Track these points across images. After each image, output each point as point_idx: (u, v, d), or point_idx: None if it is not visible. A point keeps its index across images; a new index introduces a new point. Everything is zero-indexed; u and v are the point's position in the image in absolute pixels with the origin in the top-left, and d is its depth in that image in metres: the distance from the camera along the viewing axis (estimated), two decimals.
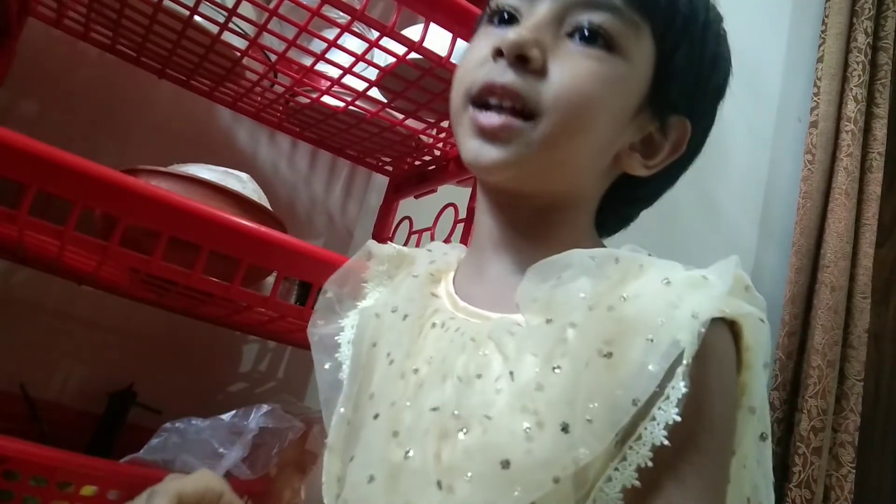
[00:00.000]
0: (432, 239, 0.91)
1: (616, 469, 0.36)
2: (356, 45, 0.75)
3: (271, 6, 0.70)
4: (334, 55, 0.78)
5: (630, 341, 0.37)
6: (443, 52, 0.72)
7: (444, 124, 0.89)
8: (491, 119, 0.43)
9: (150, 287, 0.71)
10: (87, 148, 0.68)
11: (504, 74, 0.43)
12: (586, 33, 0.43)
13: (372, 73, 0.81)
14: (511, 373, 0.39)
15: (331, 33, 0.75)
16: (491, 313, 0.45)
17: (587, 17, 0.43)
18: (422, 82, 0.78)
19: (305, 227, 1.09)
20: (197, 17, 0.75)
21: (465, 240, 0.83)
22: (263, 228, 0.60)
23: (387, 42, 0.72)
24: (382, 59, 0.78)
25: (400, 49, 0.72)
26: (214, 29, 0.76)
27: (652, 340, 0.37)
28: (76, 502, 0.58)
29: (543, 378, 0.37)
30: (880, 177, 1.47)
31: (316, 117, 0.94)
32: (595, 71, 0.43)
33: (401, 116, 0.89)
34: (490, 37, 0.46)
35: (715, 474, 0.38)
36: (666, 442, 0.35)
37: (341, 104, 0.87)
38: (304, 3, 0.69)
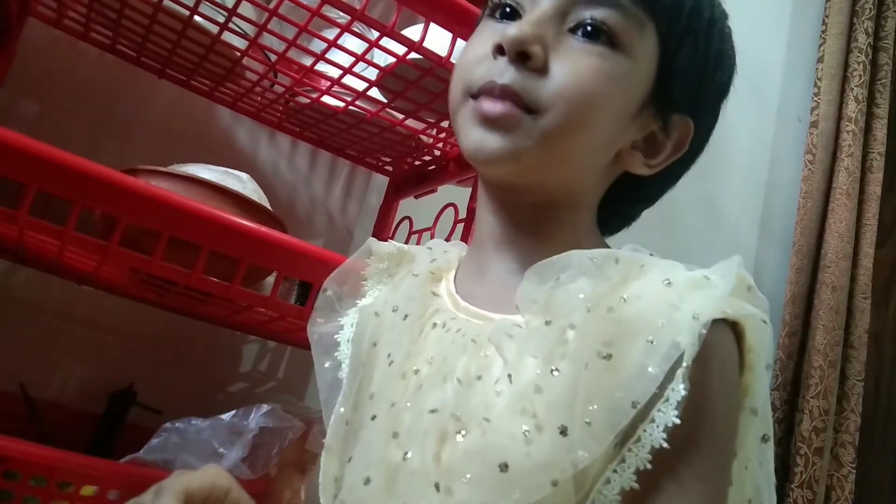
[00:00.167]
0: (432, 238, 0.90)
1: (615, 471, 0.36)
2: (356, 45, 0.75)
3: (271, 6, 0.70)
4: (334, 55, 0.78)
5: (630, 343, 0.37)
6: (443, 52, 0.72)
7: (444, 124, 0.89)
8: (493, 106, 0.42)
9: (150, 287, 0.71)
10: (87, 148, 0.68)
11: (504, 73, 0.42)
12: (589, 29, 0.42)
13: (372, 73, 0.81)
14: (509, 375, 0.39)
15: (331, 33, 0.75)
16: (492, 314, 0.45)
17: (590, 13, 0.42)
18: (422, 82, 0.78)
19: (305, 227, 1.09)
20: (197, 17, 0.75)
21: (465, 240, 0.83)
22: (263, 228, 0.60)
23: (387, 42, 0.72)
24: (382, 59, 0.78)
25: (400, 49, 0.72)
26: (214, 29, 0.76)
27: (652, 342, 0.36)
28: (76, 502, 0.58)
29: (542, 380, 0.37)
30: (881, 177, 1.47)
31: (316, 117, 0.94)
32: (597, 68, 0.42)
33: (401, 116, 0.89)
34: (491, 31, 0.45)
35: (716, 476, 0.37)
36: (665, 444, 0.35)
37: (341, 104, 0.87)
38: (304, 3, 0.69)
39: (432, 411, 0.40)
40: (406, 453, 0.39)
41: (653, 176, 0.48)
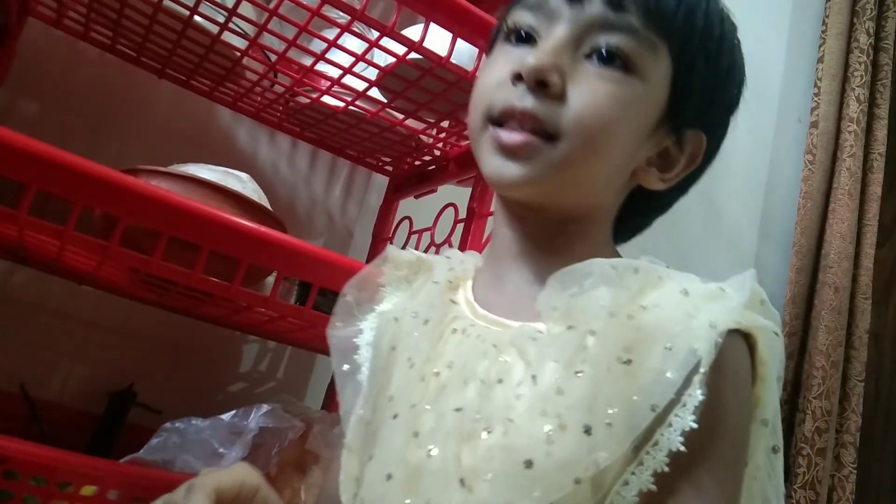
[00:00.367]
0: (432, 238, 0.91)
1: (633, 473, 0.37)
2: (356, 45, 0.75)
3: (271, 6, 0.70)
4: (334, 55, 0.78)
5: (649, 349, 0.38)
6: (443, 52, 0.72)
7: (444, 124, 0.89)
8: (513, 137, 0.43)
9: (150, 287, 0.71)
10: (87, 148, 0.68)
11: (523, 99, 0.43)
12: (604, 55, 0.43)
13: (372, 73, 0.81)
14: (534, 377, 0.40)
15: (331, 33, 0.75)
16: (510, 321, 0.46)
17: (605, 39, 0.43)
18: (422, 82, 0.78)
19: (305, 227, 1.09)
20: (197, 17, 0.75)
21: (464, 239, 0.83)
22: (263, 228, 0.60)
23: (387, 42, 0.72)
24: (382, 59, 0.78)
25: (400, 49, 0.72)
26: (214, 29, 0.76)
27: (670, 349, 0.37)
28: (76, 502, 0.58)
29: (564, 383, 0.38)
30: (881, 177, 1.47)
31: (316, 117, 0.94)
32: (613, 93, 0.43)
33: (401, 116, 0.89)
34: (508, 57, 0.46)
35: (730, 480, 0.39)
36: (682, 448, 0.36)
37: (341, 104, 0.87)
38: (304, 3, 0.69)
39: (457, 410, 0.41)
40: (430, 451, 0.40)
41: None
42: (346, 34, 0.73)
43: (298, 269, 0.65)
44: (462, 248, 0.83)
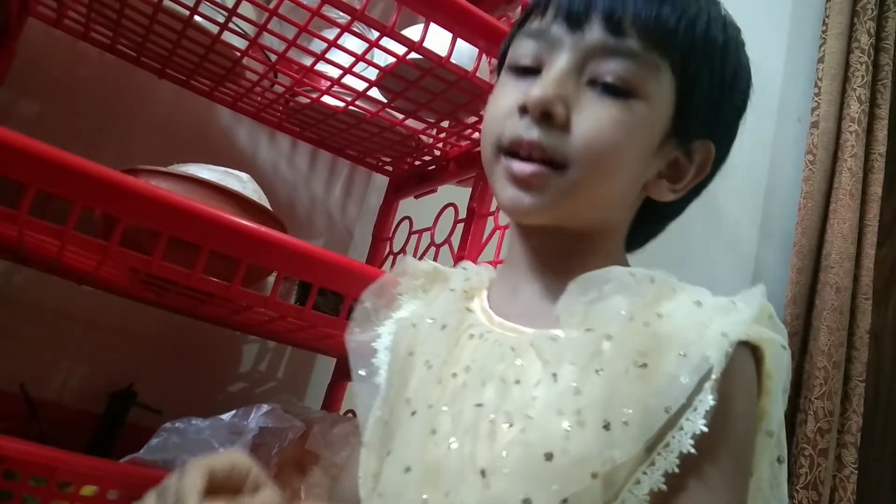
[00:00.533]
0: (432, 238, 0.91)
1: (644, 473, 0.39)
2: (356, 45, 0.75)
3: (271, 6, 0.70)
4: (334, 55, 0.78)
5: (664, 355, 0.40)
6: (443, 52, 0.72)
7: (444, 124, 0.89)
8: (523, 168, 0.45)
9: (150, 287, 0.71)
10: (87, 148, 0.68)
11: (530, 131, 0.44)
12: (607, 81, 0.44)
13: (372, 73, 0.81)
14: (554, 375, 0.41)
15: (331, 33, 0.75)
16: (526, 328, 0.47)
17: (606, 66, 0.44)
18: (422, 82, 0.78)
19: (305, 227, 1.09)
20: (197, 17, 0.75)
21: (464, 239, 0.83)
22: (263, 228, 0.60)
23: (387, 42, 0.72)
24: (382, 59, 0.78)
25: (400, 49, 0.72)
26: (214, 29, 0.76)
27: (684, 355, 0.39)
28: (76, 502, 0.58)
29: (582, 383, 0.39)
30: (881, 178, 1.47)
31: (316, 117, 0.94)
32: (617, 119, 0.44)
33: (401, 116, 0.89)
34: (513, 88, 0.47)
35: (737, 480, 0.41)
36: (693, 450, 0.38)
37: (341, 104, 0.87)
38: (304, 3, 0.69)
39: (477, 405, 0.43)
40: (450, 444, 0.42)
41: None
42: (346, 34, 0.73)
43: (298, 269, 0.65)
44: (462, 247, 0.83)
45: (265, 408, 0.72)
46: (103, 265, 0.63)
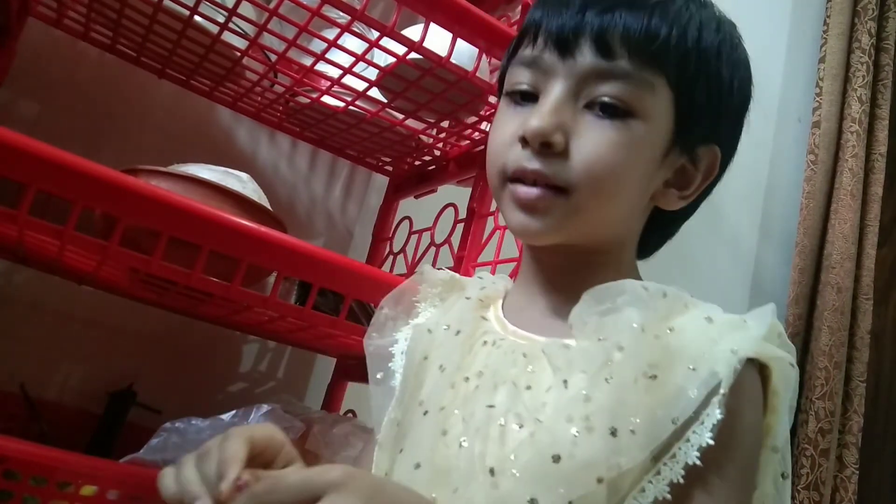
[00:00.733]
0: (432, 238, 0.91)
1: (650, 482, 0.40)
2: (356, 45, 0.75)
3: (271, 6, 0.70)
4: (334, 55, 0.78)
5: (674, 367, 0.40)
6: (443, 52, 0.72)
7: (444, 124, 0.89)
8: (528, 193, 0.46)
9: (150, 287, 0.71)
10: (87, 148, 0.68)
11: (531, 161, 0.45)
12: (603, 103, 0.45)
13: (372, 73, 0.81)
14: (565, 381, 0.42)
15: (331, 33, 0.75)
16: (538, 337, 0.48)
17: (601, 90, 0.45)
18: (422, 82, 0.78)
19: (305, 227, 1.09)
20: (197, 17, 0.75)
21: (464, 239, 0.83)
22: (263, 228, 0.60)
23: (387, 42, 0.72)
24: (382, 59, 0.78)
25: (400, 49, 0.72)
26: (214, 29, 0.76)
27: (694, 369, 0.40)
28: (76, 502, 0.58)
29: (592, 391, 0.40)
30: (882, 178, 1.47)
31: (316, 117, 0.94)
32: (616, 140, 0.45)
33: (401, 116, 0.89)
34: (512, 117, 0.48)
35: (741, 497, 0.42)
36: (698, 463, 0.39)
37: (341, 104, 0.87)
38: (304, 3, 0.69)
39: (489, 406, 0.44)
40: (461, 442, 0.43)
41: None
42: (346, 34, 0.73)
43: (298, 269, 0.65)
44: (462, 247, 0.83)
45: (265, 408, 0.72)
46: (103, 265, 0.63)
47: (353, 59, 0.78)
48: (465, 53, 0.74)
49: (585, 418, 0.39)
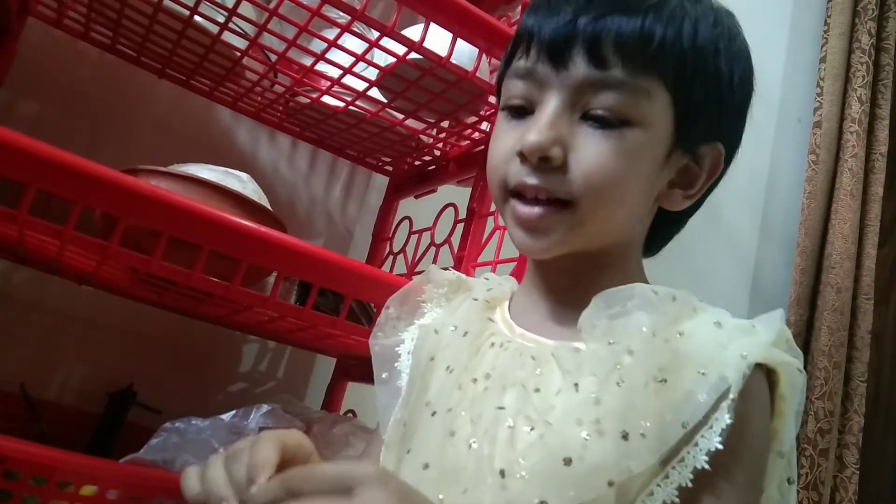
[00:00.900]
0: (432, 238, 0.91)
1: (658, 485, 0.40)
2: (356, 45, 0.75)
3: (271, 6, 0.70)
4: (334, 55, 0.78)
5: (683, 372, 0.41)
6: (443, 52, 0.71)
7: (444, 124, 0.88)
8: (529, 212, 0.46)
9: (149, 287, 0.71)
10: (87, 148, 0.68)
11: (531, 176, 0.45)
12: (599, 115, 0.44)
13: (372, 73, 0.81)
14: (575, 384, 0.42)
15: (331, 33, 0.75)
16: (546, 340, 0.48)
17: (596, 100, 0.44)
18: (422, 82, 0.78)
19: (305, 227, 1.09)
20: (197, 17, 0.75)
21: (464, 239, 0.83)
22: (263, 228, 0.60)
23: (387, 42, 0.72)
24: (382, 59, 0.78)
25: (400, 49, 0.72)
26: (214, 29, 0.76)
27: (703, 374, 0.40)
28: (76, 502, 0.58)
29: (601, 394, 0.40)
30: (882, 178, 1.47)
31: (316, 117, 0.94)
32: (614, 150, 0.44)
33: (401, 116, 0.89)
34: (510, 130, 0.48)
35: (749, 500, 0.42)
36: (707, 467, 0.39)
37: (341, 104, 0.87)
38: (304, 3, 0.69)
39: (499, 408, 0.44)
40: (471, 444, 0.43)
41: None
42: (346, 34, 0.73)
43: (298, 269, 0.65)
44: (462, 247, 0.83)
45: (265, 408, 0.72)
46: (103, 265, 0.63)
47: (353, 59, 0.77)
48: (465, 53, 0.74)
49: (596, 421, 0.39)
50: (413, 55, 0.72)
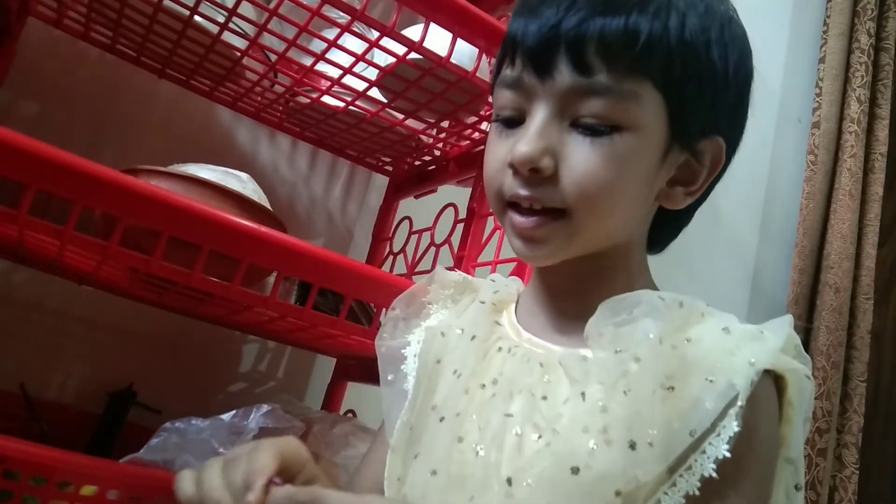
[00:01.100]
0: (432, 238, 0.91)
1: (665, 493, 0.39)
2: (356, 45, 0.75)
3: (271, 6, 0.70)
4: (334, 55, 0.78)
5: (691, 379, 0.40)
6: (443, 52, 0.71)
7: (444, 124, 0.89)
8: (525, 223, 0.46)
9: (149, 287, 0.71)
10: (87, 148, 0.68)
11: (523, 188, 0.45)
12: (587, 122, 0.44)
13: (372, 73, 0.81)
14: (582, 393, 0.42)
15: (331, 33, 0.75)
16: (554, 346, 0.48)
17: (584, 108, 0.43)
18: (422, 82, 0.78)
19: (305, 227, 1.09)
20: (197, 17, 0.75)
21: (464, 239, 0.83)
22: (263, 228, 0.60)
23: (387, 42, 0.72)
24: (382, 59, 0.78)
25: (400, 49, 0.72)
26: (214, 29, 0.76)
27: (711, 381, 0.40)
28: (76, 502, 0.58)
29: (608, 402, 0.40)
30: (882, 178, 1.47)
31: (316, 117, 0.94)
32: (604, 156, 0.44)
33: (401, 116, 0.89)
34: (502, 141, 0.47)
35: (757, 501, 0.42)
36: (714, 475, 0.39)
37: (341, 104, 0.87)
38: (304, 3, 0.69)
39: (507, 415, 0.44)
40: (478, 451, 0.43)
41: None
42: (346, 34, 0.73)
43: (298, 269, 0.65)
44: (462, 247, 0.83)
45: (265, 408, 0.72)
46: (103, 265, 0.63)
47: (353, 59, 0.77)
48: (465, 53, 0.74)
49: (603, 430, 0.39)
50: (413, 55, 0.73)
